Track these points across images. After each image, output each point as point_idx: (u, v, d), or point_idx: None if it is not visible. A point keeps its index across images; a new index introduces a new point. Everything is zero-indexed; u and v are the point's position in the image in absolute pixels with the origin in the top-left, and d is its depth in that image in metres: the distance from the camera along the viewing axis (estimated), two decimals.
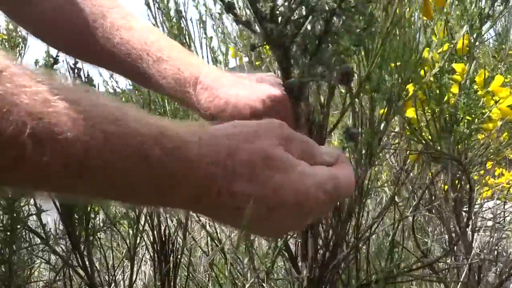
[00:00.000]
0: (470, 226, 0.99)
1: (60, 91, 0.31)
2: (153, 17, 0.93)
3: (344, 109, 0.59)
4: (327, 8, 0.49)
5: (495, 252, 1.28)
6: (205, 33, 0.91)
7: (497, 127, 1.11)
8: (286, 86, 0.51)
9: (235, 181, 0.36)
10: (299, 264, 0.66)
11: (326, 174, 0.40)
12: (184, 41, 0.90)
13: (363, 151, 0.65)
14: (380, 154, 1.36)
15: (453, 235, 1.13)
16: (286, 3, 0.50)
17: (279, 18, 0.50)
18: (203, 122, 0.55)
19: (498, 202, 1.65)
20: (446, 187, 1.34)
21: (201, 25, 0.91)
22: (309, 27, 0.52)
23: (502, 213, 1.57)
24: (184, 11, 0.91)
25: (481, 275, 0.90)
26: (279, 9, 0.50)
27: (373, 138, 0.65)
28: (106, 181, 0.33)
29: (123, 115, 0.33)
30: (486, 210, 1.54)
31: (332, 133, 0.70)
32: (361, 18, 0.52)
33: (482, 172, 2.12)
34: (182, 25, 0.89)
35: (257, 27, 0.52)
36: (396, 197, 1.73)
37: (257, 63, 0.84)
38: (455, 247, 1.00)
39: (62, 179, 0.31)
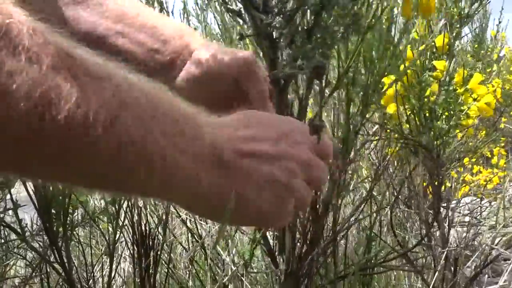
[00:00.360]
0: (440, 218, 1.01)
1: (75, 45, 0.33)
2: None
3: (321, 103, 0.59)
4: (314, 1, 0.49)
5: (473, 248, 1.31)
6: (189, 24, 0.90)
7: (475, 125, 1.13)
8: (272, 78, 0.51)
9: (239, 130, 0.43)
10: (278, 257, 0.66)
11: None
12: None
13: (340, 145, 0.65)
14: (360, 151, 1.37)
15: (432, 230, 1.15)
16: None
17: (271, 9, 0.50)
18: None
19: (475, 198, 1.69)
20: (424, 183, 1.36)
21: (185, 15, 0.90)
22: (297, 21, 0.52)
23: (479, 208, 1.60)
24: (166, 1, 0.90)
25: (457, 268, 0.92)
26: (272, 1, 0.50)
27: (349, 132, 0.65)
28: (133, 130, 0.33)
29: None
30: (463, 205, 1.58)
31: None
32: (347, 13, 0.52)
33: (460, 169, 2.17)
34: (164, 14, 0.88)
35: (247, 18, 0.51)
36: (375, 193, 1.75)
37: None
38: (433, 241, 1.02)
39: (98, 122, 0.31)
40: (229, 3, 0.50)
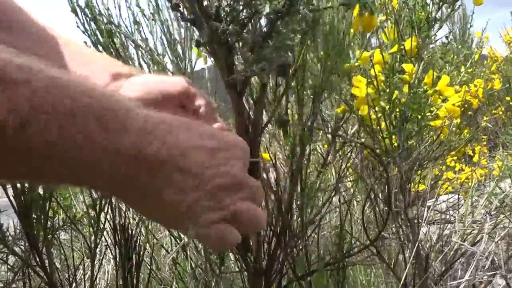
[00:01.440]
0: (411, 216, 1.04)
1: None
2: (81, 24, 0.92)
3: (275, 105, 0.62)
4: (269, 10, 0.52)
5: (446, 244, 1.34)
6: (141, 36, 0.90)
7: (457, 123, 1.16)
8: (230, 82, 0.53)
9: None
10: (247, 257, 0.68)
11: None
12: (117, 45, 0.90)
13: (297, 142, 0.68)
14: (342, 151, 1.40)
15: (406, 228, 1.18)
16: (232, 3, 0.53)
17: (224, 17, 0.52)
18: None
19: (451, 195, 1.73)
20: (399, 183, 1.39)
21: (136, 27, 0.91)
22: (252, 27, 0.55)
23: (456, 205, 1.64)
24: (116, 14, 0.90)
25: (428, 264, 0.95)
26: (225, 9, 0.53)
27: (303, 129, 0.68)
28: (54, 126, 0.33)
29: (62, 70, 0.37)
30: (440, 203, 1.61)
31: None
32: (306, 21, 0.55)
33: (443, 167, 2.20)
34: (114, 29, 0.88)
35: (203, 25, 0.54)
36: (357, 193, 1.77)
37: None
38: (406, 239, 1.05)
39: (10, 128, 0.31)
40: (184, 13, 0.52)
